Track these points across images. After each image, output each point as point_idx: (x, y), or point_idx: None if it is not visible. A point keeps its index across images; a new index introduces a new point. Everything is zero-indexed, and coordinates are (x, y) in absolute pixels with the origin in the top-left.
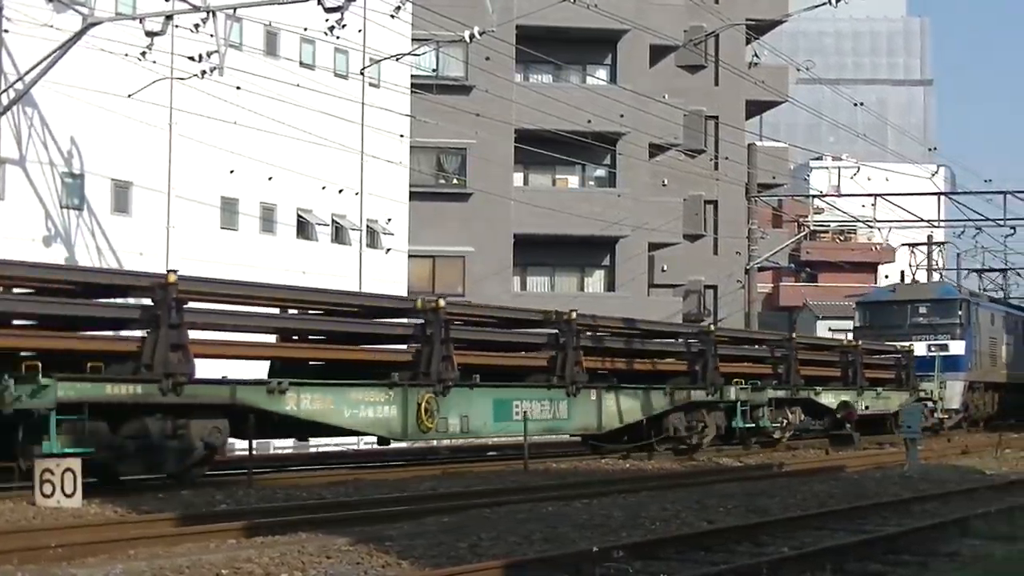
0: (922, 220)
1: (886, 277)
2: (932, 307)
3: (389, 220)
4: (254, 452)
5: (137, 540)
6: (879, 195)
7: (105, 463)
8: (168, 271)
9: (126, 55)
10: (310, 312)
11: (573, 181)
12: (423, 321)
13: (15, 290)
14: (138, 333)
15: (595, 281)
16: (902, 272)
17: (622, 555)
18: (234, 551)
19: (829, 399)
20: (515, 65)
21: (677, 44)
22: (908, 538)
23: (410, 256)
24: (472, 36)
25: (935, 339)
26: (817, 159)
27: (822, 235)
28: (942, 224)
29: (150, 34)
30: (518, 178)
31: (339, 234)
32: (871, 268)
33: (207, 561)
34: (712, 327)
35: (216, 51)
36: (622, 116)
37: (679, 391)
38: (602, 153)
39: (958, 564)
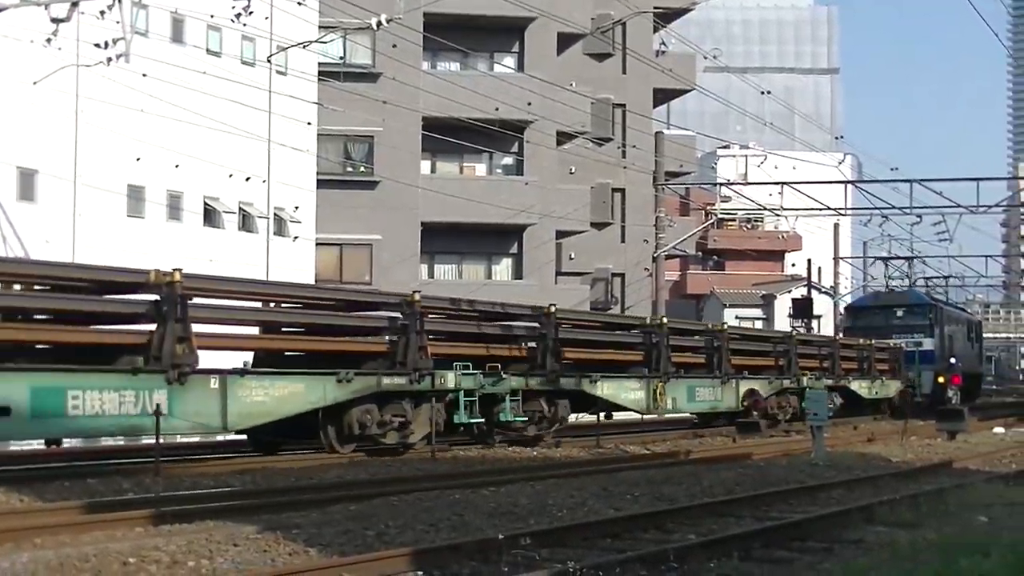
0: (829, 208)
1: (792, 265)
2: (907, 311)
3: (296, 208)
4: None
5: (43, 528)
6: (786, 183)
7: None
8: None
9: (31, 41)
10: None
11: (481, 169)
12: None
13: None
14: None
15: (503, 269)
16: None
17: (529, 542)
18: (141, 539)
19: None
20: (423, 53)
21: (585, 32)
22: (813, 525)
23: (317, 244)
24: (379, 23)
25: (911, 337)
26: (724, 147)
27: (729, 223)
28: (849, 212)
29: (56, 20)
30: (425, 166)
31: (246, 222)
32: (778, 256)
33: (114, 550)
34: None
35: (122, 38)
36: (530, 104)
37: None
38: (510, 141)
39: (863, 550)
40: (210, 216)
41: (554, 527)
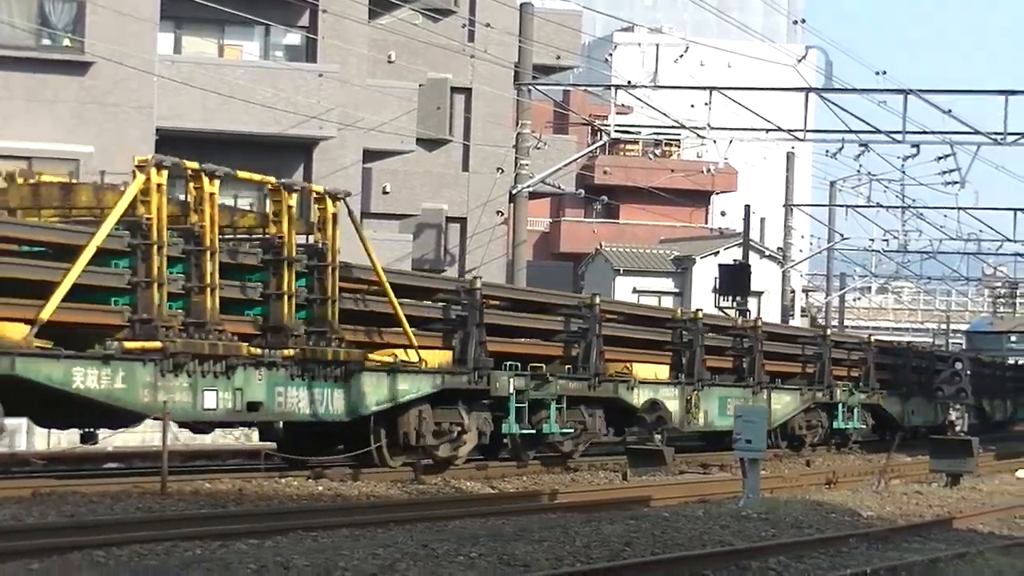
0: (780, 129)
1: (722, 214)
2: (1020, 336)
3: None
4: None
5: None
6: (716, 88)
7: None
8: None
9: None
10: None
11: (251, 50)
12: None
13: None
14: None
15: None
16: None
17: None
18: None
19: None
20: None
21: None
22: None
23: None
24: None
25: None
26: (625, 31)
27: (628, 148)
28: (809, 137)
29: None
30: (166, 42)
31: None
32: (701, 200)
33: None
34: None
35: None
36: None
37: None
38: (296, 9)
39: None
40: None
41: None
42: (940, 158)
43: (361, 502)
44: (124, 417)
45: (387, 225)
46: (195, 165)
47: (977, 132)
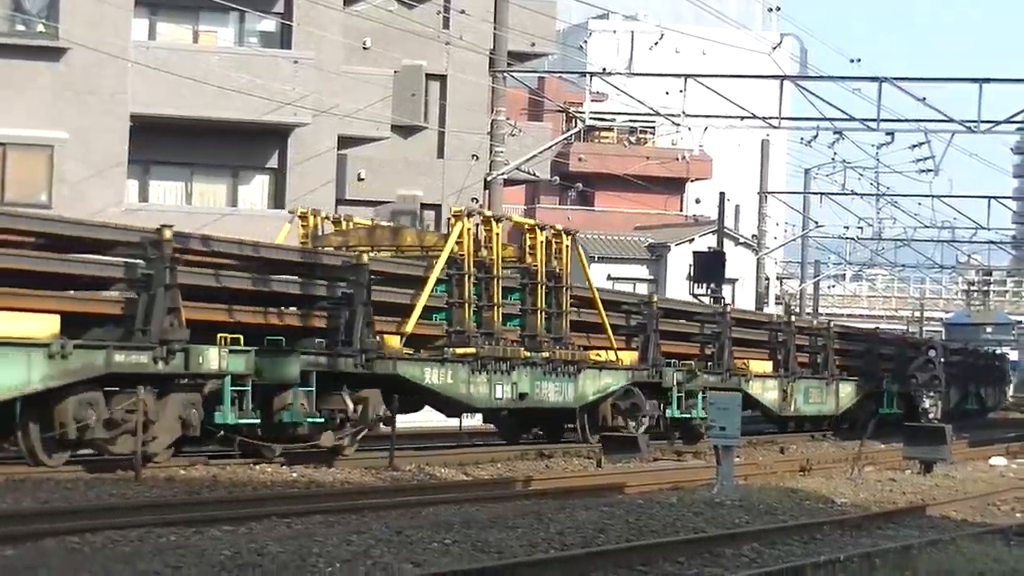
0: (755, 117)
1: (697, 202)
2: (996, 328)
3: None
4: None
5: None
6: (691, 76)
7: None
8: None
9: None
10: None
11: (226, 37)
12: None
13: None
14: None
15: (254, 191)
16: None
17: None
18: None
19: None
20: None
21: None
22: None
23: None
24: None
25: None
26: (600, 18)
27: (603, 135)
28: (784, 125)
29: None
30: (140, 28)
31: None
32: (676, 187)
33: None
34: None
35: None
36: None
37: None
38: None
39: None
40: None
41: None
42: (914, 146)
43: (335, 489)
44: (454, 406)
45: (362, 212)
46: (488, 213)
47: (951, 120)
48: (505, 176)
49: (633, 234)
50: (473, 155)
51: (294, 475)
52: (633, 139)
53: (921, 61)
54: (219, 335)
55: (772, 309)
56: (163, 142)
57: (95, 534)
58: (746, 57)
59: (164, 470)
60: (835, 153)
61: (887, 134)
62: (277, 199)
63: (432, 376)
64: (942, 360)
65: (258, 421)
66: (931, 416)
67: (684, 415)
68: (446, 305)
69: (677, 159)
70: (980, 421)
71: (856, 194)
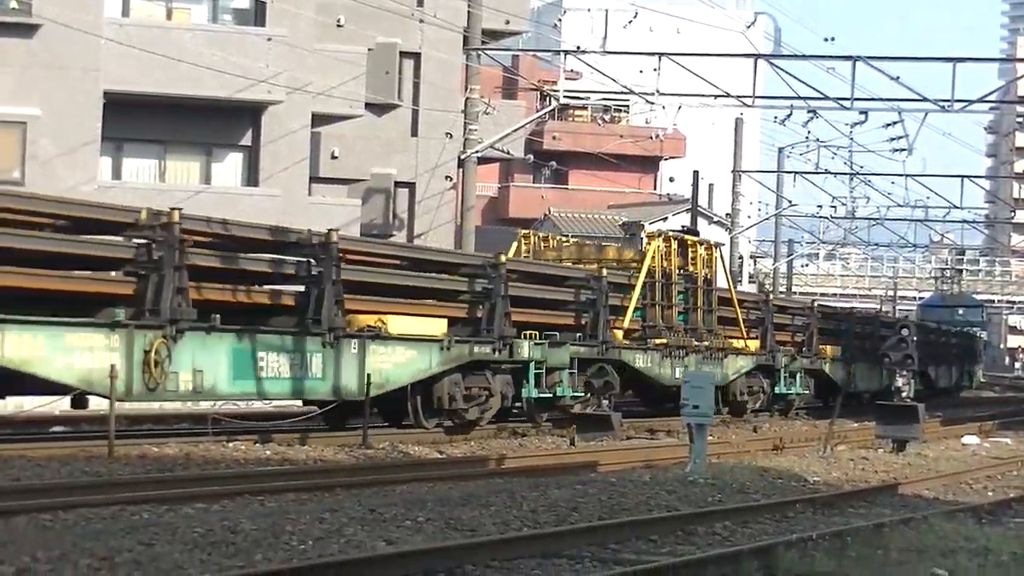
0: (728, 95)
1: (671, 180)
2: (967, 310)
3: None
4: None
5: None
6: (665, 54)
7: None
8: None
9: None
10: None
11: (200, 13)
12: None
13: None
14: None
15: (228, 169)
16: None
17: None
18: None
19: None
20: None
21: None
22: (685, 575)
23: None
24: None
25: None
26: None
27: (577, 114)
28: (758, 103)
29: None
30: (113, 5)
31: None
32: (650, 165)
33: None
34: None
35: None
36: None
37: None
38: None
39: None
40: None
41: (291, 567)
42: (888, 125)
43: (308, 467)
44: (650, 384)
45: (335, 190)
46: (671, 232)
47: (925, 99)
48: (479, 154)
49: (607, 212)
50: (447, 133)
51: (267, 453)
52: (607, 117)
53: (896, 40)
54: (523, 332)
55: (745, 287)
56: (136, 119)
57: (67, 511)
58: (720, 36)
59: (137, 448)
60: (809, 132)
61: (861, 113)
62: (250, 177)
63: (640, 361)
64: (915, 339)
65: (551, 395)
66: (904, 395)
67: (786, 391)
68: (640, 306)
69: (651, 138)
70: (953, 400)
71: (830, 173)
